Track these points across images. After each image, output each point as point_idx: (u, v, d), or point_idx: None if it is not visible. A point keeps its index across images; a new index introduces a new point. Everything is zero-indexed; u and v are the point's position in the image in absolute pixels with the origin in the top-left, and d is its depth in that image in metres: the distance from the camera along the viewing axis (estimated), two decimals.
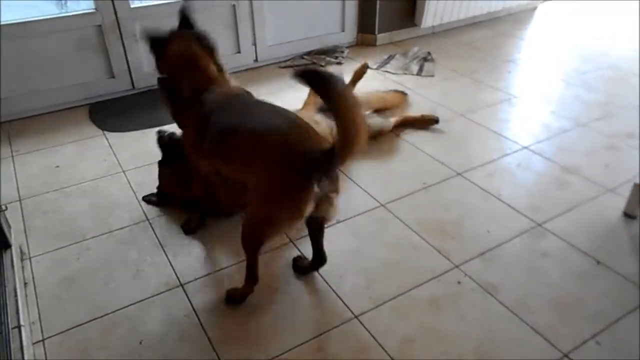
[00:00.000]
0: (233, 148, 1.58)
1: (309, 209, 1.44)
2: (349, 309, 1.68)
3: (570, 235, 1.98)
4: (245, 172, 1.57)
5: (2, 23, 2.76)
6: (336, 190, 1.51)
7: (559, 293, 1.74)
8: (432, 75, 3.43)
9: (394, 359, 1.52)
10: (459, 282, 1.79)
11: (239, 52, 3.51)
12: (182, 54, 1.75)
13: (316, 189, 1.41)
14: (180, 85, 1.75)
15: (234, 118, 1.60)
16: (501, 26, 4.31)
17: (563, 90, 3.25)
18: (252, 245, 1.61)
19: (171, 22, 3.17)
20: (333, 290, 1.77)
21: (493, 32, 4.20)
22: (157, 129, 2.23)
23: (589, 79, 3.33)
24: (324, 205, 1.50)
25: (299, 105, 2.53)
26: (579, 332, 1.59)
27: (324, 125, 2.25)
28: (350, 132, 1.26)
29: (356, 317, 1.66)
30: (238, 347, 1.57)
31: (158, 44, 1.77)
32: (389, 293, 1.75)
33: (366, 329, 1.62)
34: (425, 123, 2.77)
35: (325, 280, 1.81)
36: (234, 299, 1.71)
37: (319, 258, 1.78)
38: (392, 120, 2.70)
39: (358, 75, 2.74)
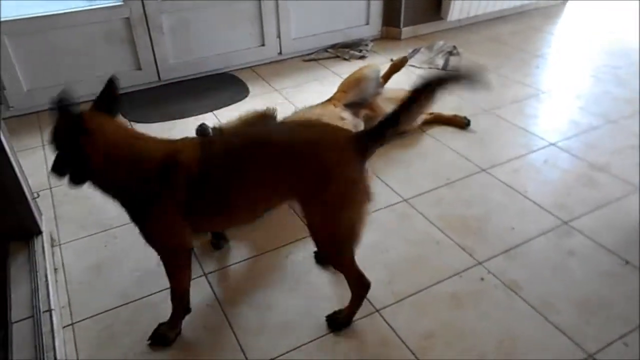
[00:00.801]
0: (259, 184, 1.38)
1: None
2: (371, 303, 1.68)
3: (597, 234, 1.94)
4: (285, 196, 1.45)
5: (31, 16, 2.84)
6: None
7: (585, 293, 1.71)
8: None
9: (415, 354, 1.52)
10: (482, 279, 1.77)
11: (263, 45, 3.52)
12: (117, 138, 1.35)
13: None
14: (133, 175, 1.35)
15: (239, 156, 1.37)
16: (530, 21, 4.22)
17: (593, 86, 3.17)
18: (348, 258, 1.48)
19: (195, 16, 3.15)
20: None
21: (521, 26, 4.11)
22: (200, 122, 2.04)
23: (620, 75, 3.24)
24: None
25: (321, 100, 2.51)
26: (606, 332, 1.56)
27: (349, 122, 2.24)
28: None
29: (377, 311, 1.66)
30: (260, 337, 1.59)
31: (74, 136, 1.33)
32: (411, 288, 1.74)
33: (387, 323, 1.62)
34: (457, 124, 2.70)
35: None
36: (341, 323, 1.61)
37: None
38: (422, 116, 2.63)
39: (397, 67, 2.70)
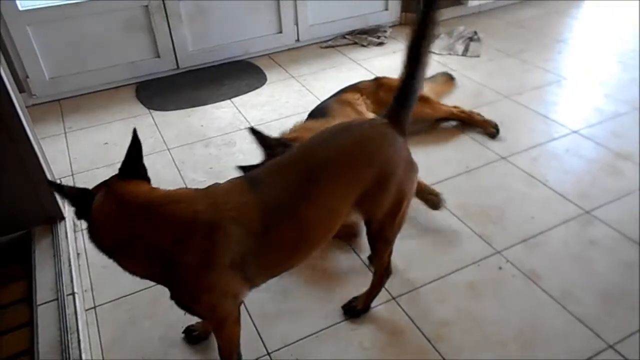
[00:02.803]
0: (332, 203, 1.25)
1: None
2: (387, 290, 1.68)
3: (620, 224, 1.90)
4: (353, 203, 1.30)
5: (52, 5, 2.87)
6: None
7: (606, 283, 1.68)
8: (478, 56, 3.32)
9: (431, 341, 1.52)
10: (500, 268, 1.76)
11: (281, 32, 3.50)
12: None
13: None
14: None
15: (302, 184, 1.21)
16: (552, 4, 4.10)
17: (619, 72, 3.08)
18: (392, 247, 1.49)
19: (214, 3, 3.15)
20: (370, 270, 1.77)
21: (543, 10, 4.01)
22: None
23: None
24: None
25: (342, 85, 2.47)
26: (626, 323, 1.54)
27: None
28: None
29: (394, 298, 1.67)
30: (276, 322, 1.61)
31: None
32: (428, 276, 1.74)
33: (404, 310, 1.62)
34: (485, 130, 2.49)
35: (362, 261, 1.82)
36: (359, 310, 1.60)
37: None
38: (453, 110, 2.54)
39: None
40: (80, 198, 1.12)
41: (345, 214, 1.30)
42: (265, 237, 1.15)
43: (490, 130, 2.48)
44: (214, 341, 1.44)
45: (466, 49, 3.40)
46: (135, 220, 1.10)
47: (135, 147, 1.18)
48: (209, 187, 1.22)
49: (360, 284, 1.70)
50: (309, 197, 1.19)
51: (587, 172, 2.23)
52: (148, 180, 1.21)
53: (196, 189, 1.20)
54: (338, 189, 1.24)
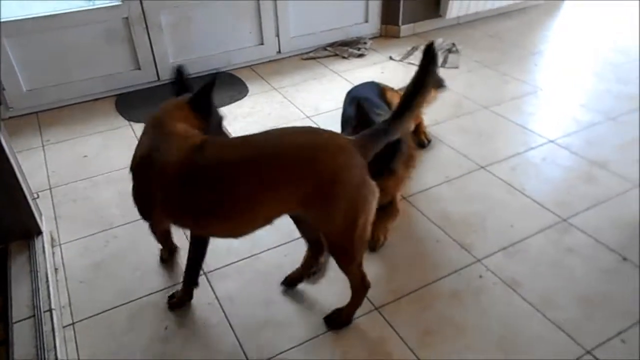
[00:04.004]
0: (256, 192, 1.32)
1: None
2: (370, 301, 1.69)
3: (596, 231, 1.95)
4: (289, 205, 1.37)
5: (30, 16, 2.83)
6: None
7: (583, 289, 1.72)
8: (457, 67, 3.38)
9: (414, 351, 1.53)
10: (480, 276, 1.78)
11: (262, 43, 3.52)
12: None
13: None
14: None
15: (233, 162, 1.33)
16: (528, 17, 4.22)
17: (593, 82, 3.17)
18: (358, 261, 1.48)
19: (194, 14, 3.18)
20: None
21: (519, 23, 4.11)
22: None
23: (622, 72, 3.24)
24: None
25: (324, 97, 2.47)
26: (604, 329, 1.57)
27: None
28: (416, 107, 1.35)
29: (377, 308, 1.67)
30: (259, 335, 1.60)
31: None
32: (410, 286, 1.75)
33: (387, 321, 1.63)
34: (419, 139, 2.51)
35: None
36: (340, 322, 1.61)
37: (318, 249, 1.67)
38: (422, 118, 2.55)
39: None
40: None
41: (276, 207, 1.36)
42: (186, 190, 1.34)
43: (421, 140, 2.51)
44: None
45: (445, 61, 3.46)
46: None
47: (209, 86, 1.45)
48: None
49: (345, 296, 1.70)
50: (240, 172, 1.30)
51: (563, 180, 2.28)
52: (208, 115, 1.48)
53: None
54: (271, 177, 1.29)
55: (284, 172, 1.29)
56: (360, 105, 1.90)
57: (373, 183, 1.35)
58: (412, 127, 2.43)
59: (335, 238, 1.40)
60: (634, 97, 2.91)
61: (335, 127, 2.10)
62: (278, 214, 1.39)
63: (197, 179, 1.33)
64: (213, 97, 1.49)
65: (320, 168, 1.28)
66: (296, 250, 1.91)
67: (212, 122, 1.51)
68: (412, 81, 1.34)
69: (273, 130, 1.48)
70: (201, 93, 1.47)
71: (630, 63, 3.35)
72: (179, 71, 1.59)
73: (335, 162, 1.29)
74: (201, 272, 1.84)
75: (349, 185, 1.30)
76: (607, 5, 4.49)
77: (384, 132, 1.37)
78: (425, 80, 1.33)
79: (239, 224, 1.41)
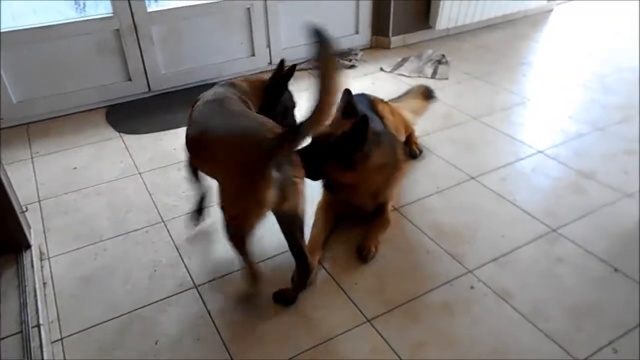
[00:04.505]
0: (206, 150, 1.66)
1: (271, 195, 1.44)
2: (362, 313, 1.69)
3: (586, 241, 1.96)
4: (214, 172, 1.66)
5: (20, 28, 2.83)
6: (299, 176, 1.54)
7: (574, 300, 1.73)
8: (446, 78, 3.42)
9: None
10: (472, 287, 1.79)
11: (253, 55, 3.54)
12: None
13: (276, 174, 1.44)
14: None
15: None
16: (516, 29, 4.28)
17: (580, 93, 3.22)
18: (234, 243, 1.65)
19: (185, 26, 3.19)
20: (345, 293, 1.77)
21: (508, 34, 4.17)
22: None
23: (608, 82, 3.29)
24: (290, 193, 1.50)
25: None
26: (595, 339, 1.58)
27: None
28: (324, 99, 1.35)
29: (369, 320, 1.67)
30: (251, 349, 1.59)
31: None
32: (402, 297, 1.75)
33: (378, 332, 1.62)
34: (410, 150, 2.54)
35: (338, 283, 1.82)
36: (287, 299, 1.75)
37: (302, 261, 1.68)
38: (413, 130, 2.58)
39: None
40: None
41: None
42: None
43: (413, 151, 2.54)
44: None
45: (435, 72, 3.49)
46: None
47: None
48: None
49: (339, 310, 1.71)
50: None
51: (552, 190, 2.31)
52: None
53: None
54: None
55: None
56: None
57: (269, 177, 1.43)
58: (403, 138, 2.44)
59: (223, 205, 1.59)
60: (620, 108, 2.96)
61: None
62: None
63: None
64: (288, 85, 1.93)
65: (228, 153, 1.51)
66: (286, 264, 1.90)
67: (278, 105, 1.91)
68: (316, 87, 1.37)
69: (243, 113, 1.69)
70: (277, 79, 1.89)
71: (616, 74, 3.41)
72: (282, 62, 1.95)
73: (241, 150, 1.48)
74: (192, 285, 1.83)
75: (226, 169, 1.52)
76: (593, 17, 4.57)
77: (298, 132, 1.43)
78: (324, 83, 1.35)
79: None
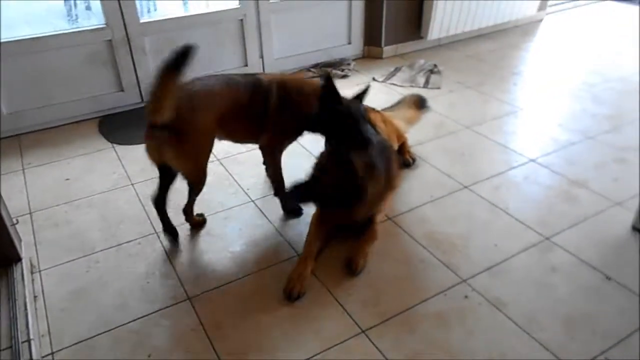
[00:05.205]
0: None
1: (153, 153, 1.92)
2: (356, 324, 1.68)
3: (578, 250, 1.97)
4: None
5: (12, 39, 2.82)
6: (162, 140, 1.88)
7: (567, 308, 1.73)
8: (439, 88, 3.44)
9: None
10: (466, 297, 1.79)
11: (246, 65, 3.54)
12: None
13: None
14: None
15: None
16: (507, 38, 4.33)
17: (571, 102, 3.25)
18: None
19: (178, 37, 3.21)
20: (340, 304, 1.77)
21: (499, 44, 4.22)
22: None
23: (597, 92, 3.33)
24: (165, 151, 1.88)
25: None
26: (588, 348, 1.58)
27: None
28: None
29: (363, 331, 1.66)
30: None
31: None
32: (396, 308, 1.74)
33: (373, 343, 1.62)
34: (403, 159, 2.56)
35: (332, 294, 1.81)
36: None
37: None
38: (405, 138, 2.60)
39: None
40: None
41: None
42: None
43: (406, 160, 2.56)
44: None
45: (427, 81, 3.52)
46: None
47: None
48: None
49: (333, 321, 1.70)
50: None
51: (545, 199, 2.32)
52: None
53: None
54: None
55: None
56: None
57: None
58: (396, 146, 2.45)
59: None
60: (609, 117, 2.99)
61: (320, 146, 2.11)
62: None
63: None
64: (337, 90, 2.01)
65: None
66: (281, 274, 1.89)
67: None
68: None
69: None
70: (328, 89, 2.00)
71: (605, 83, 3.45)
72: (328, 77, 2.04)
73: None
74: (185, 297, 1.82)
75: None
76: (582, 27, 4.63)
77: None
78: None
79: None
